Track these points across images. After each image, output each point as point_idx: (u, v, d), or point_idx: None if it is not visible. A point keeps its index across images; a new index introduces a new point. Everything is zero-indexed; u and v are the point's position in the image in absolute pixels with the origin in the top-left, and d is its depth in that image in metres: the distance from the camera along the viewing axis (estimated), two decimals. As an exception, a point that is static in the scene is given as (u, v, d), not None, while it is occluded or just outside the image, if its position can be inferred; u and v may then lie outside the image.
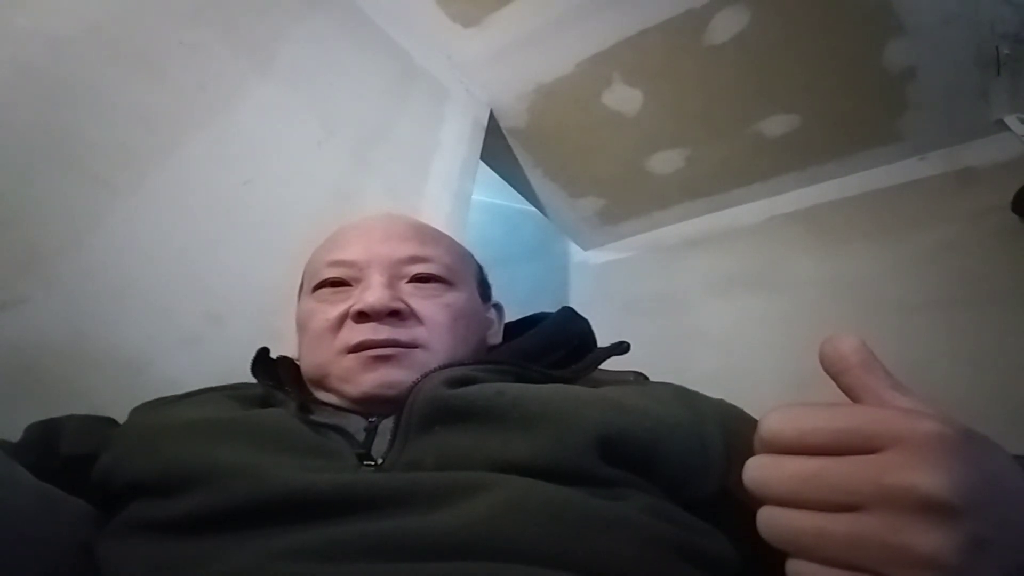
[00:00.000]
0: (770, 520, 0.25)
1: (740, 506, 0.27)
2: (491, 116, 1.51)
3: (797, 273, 1.56)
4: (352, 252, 0.52)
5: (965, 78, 1.31)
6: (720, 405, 0.46)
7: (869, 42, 1.27)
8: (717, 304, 1.66)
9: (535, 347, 0.53)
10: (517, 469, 0.34)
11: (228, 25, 0.92)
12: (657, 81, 1.41)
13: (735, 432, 0.40)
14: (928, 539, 0.21)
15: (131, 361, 0.68)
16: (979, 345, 1.19)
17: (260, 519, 0.33)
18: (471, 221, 1.36)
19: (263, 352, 0.53)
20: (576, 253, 2.12)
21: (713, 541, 0.35)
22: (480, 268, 0.61)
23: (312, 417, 0.44)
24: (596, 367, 0.52)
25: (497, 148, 1.61)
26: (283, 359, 0.56)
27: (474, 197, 1.38)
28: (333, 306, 0.49)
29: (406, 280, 0.51)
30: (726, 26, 1.26)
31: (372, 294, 0.47)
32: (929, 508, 0.21)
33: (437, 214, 1.18)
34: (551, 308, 0.60)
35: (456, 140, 1.34)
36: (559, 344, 0.54)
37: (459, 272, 0.54)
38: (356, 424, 0.43)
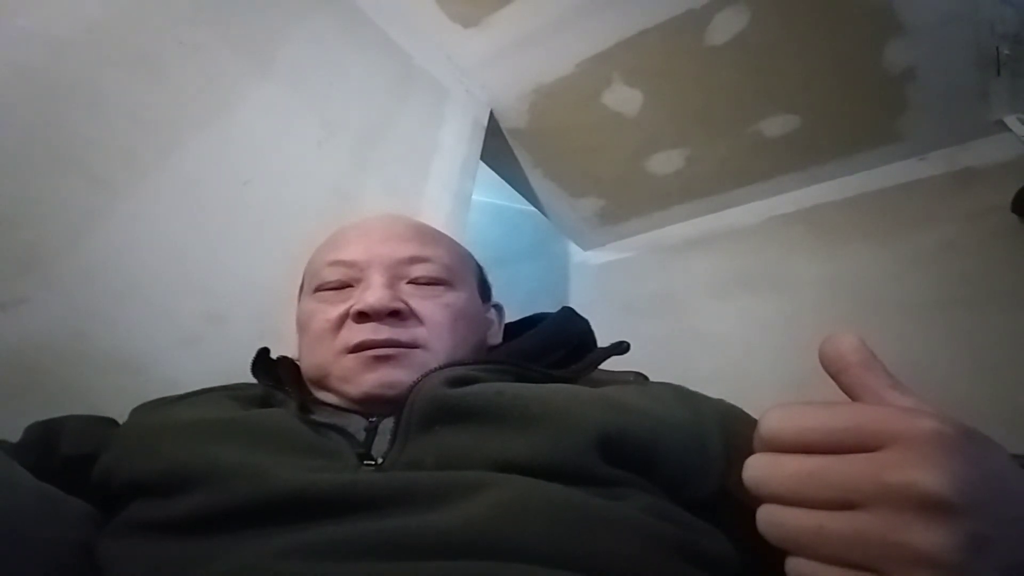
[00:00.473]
0: (770, 519, 0.25)
1: (740, 505, 0.27)
2: (491, 116, 1.51)
3: (797, 273, 1.56)
4: (352, 253, 0.52)
5: (965, 78, 1.31)
6: (720, 405, 0.46)
7: (869, 42, 1.27)
8: (717, 304, 1.66)
9: (535, 347, 0.53)
10: (517, 468, 0.34)
11: (228, 25, 0.92)
12: (657, 81, 1.41)
13: (735, 432, 0.40)
14: (928, 537, 0.21)
15: (131, 361, 0.68)
16: (979, 345, 1.19)
17: (260, 519, 0.33)
18: (471, 221, 1.36)
19: (263, 352, 0.53)
20: (576, 253, 2.12)
21: (713, 540, 0.35)
22: (480, 269, 0.61)
23: (312, 417, 0.44)
24: (596, 367, 0.52)
25: (497, 148, 1.61)
26: (283, 359, 0.56)
27: (474, 197, 1.38)
28: (333, 306, 0.49)
29: (406, 281, 0.51)
30: (726, 26, 1.26)
31: (372, 294, 0.47)
32: (929, 506, 0.21)
33: (437, 214, 1.19)
34: (551, 308, 0.60)
35: (456, 140, 1.34)
36: (559, 344, 0.54)
37: (459, 272, 0.54)
38: (356, 424, 0.43)
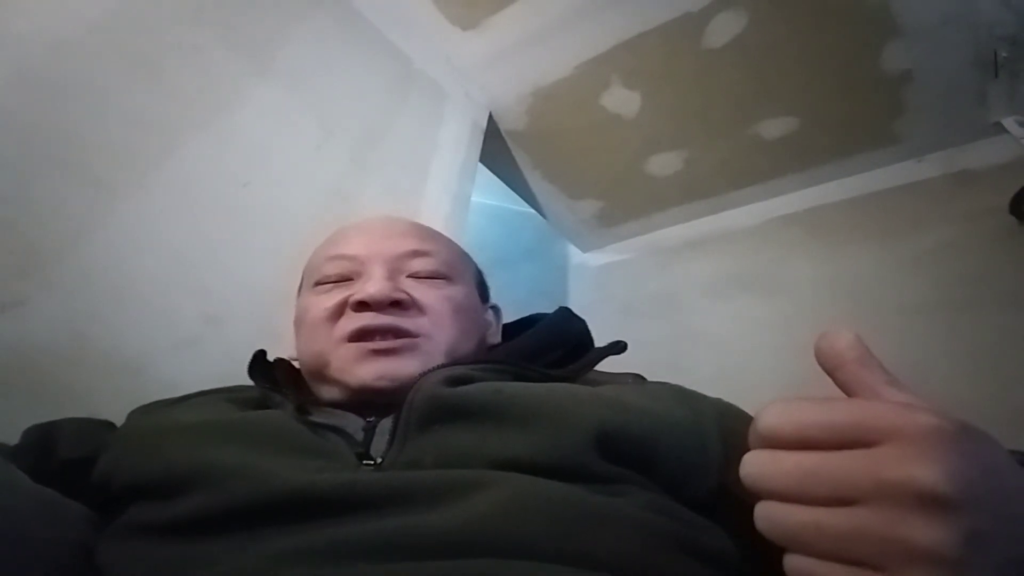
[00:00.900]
0: (768, 515, 0.25)
1: (739, 502, 0.27)
2: (490, 118, 1.51)
3: (796, 275, 1.56)
4: (353, 248, 0.52)
5: (963, 80, 1.32)
6: (718, 404, 0.46)
7: (867, 44, 1.27)
8: (716, 306, 1.66)
9: (533, 347, 0.53)
10: (516, 467, 0.34)
11: (227, 27, 0.92)
12: (656, 83, 1.42)
13: (733, 430, 0.40)
14: (926, 532, 0.21)
15: (130, 363, 0.68)
16: (978, 346, 1.19)
17: (260, 520, 0.33)
18: (470, 223, 1.36)
19: (260, 354, 0.53)
20: (575, 255, 2.12)
21: (713, 537, 0.35)
22: (479, 271, 0.61)
23: (310, 418, 0.44)
24: (593, 366, 0.52)
25: (496, 150, 1.61)
26: (280, 361, 0.56)
27: (473, 199, 1.38)
28: (332, 297, 0.49)
29: (406, 275, 0.51)
30: (724, 29, 1.26)
31: (374, 285, 0.47)
32: (927, 501, 0.21)
33: (436, 216, 1.19)
34: (550, 310, 0.60)
35: (455, 142, 1.34)
36: (556, 344, 0.54)
37: (458, 269, 0.55)
38: (354, 424, 0.43)
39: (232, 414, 0.44)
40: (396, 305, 0.47)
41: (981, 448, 0.24)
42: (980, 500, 0.22)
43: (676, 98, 1.45)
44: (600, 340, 0.57)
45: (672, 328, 1.70)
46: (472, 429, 0.38)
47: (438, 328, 0.48)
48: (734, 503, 0.27)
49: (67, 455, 0.43)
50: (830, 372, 0.28)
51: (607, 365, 0.53)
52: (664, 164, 1.67)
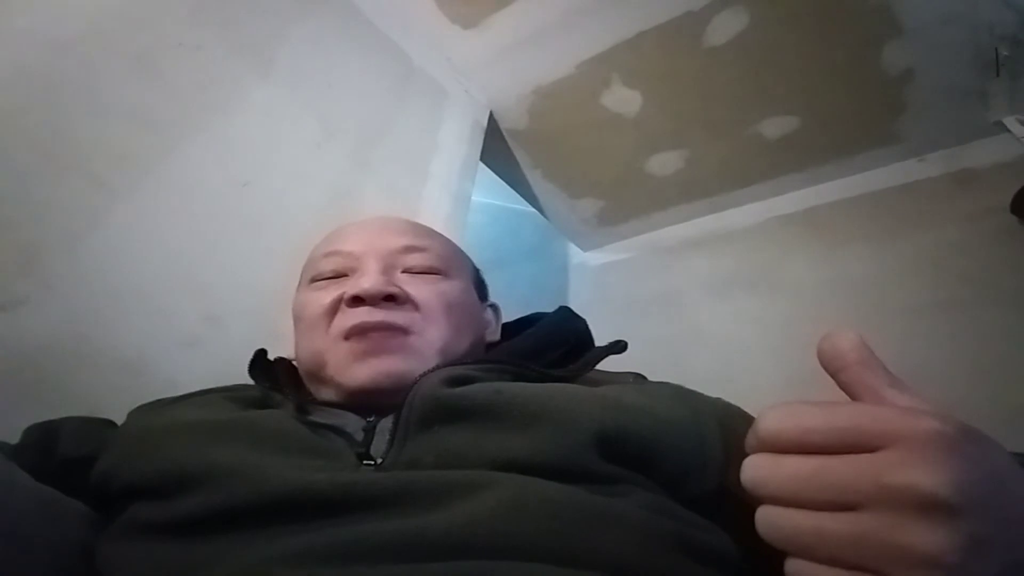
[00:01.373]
0: (769, 520, 0.25)
1: (740, 503, 0.27)
2: (490, 117, 1.51)
3: (796, 274, 1.56)
4: (348, 244, 0.52)
5: (964, 80, 1.32)
6: (718, 403, 0.46)
7: (868, 44, 1.27)
8: (716, 305, 1.66)
9: (533, 346, 0.53)
10: (517, 467, 0.34)
11: (228, 26, 0.92)
12: (656, 83, 1.42)
13: (733, 430, 0.40)
14: (928, 538, 0.21)
15: (130, 362, 0.68)
16: (979, 346, 1.19)
17: (260, 520, 0.33)
18: (470, 222, 1.36)
19: (260, 354, 0.53)
20: (575, 254, 2.12)
21: (714, 537, 0.35)
22: (476, 269, 0.61)
23: (310, 418, 0.44)
24: (594, 366, 0.52)
25: (496, 149, 1.61)
26: (280, 361, 0.56)
27: (473, 198, 1.38)
28: (328, 292, 0.49)
29: (401, 270, 0.51)
30: (725, 28, 1.26)
31: (367, 279, 0.47)
32: (928, 507, 0.21)
33: (436, 215, 1.19)
34: (550, 309, 0.60)
35: (455, 141, 1.34)
36: (557, 343, 0.54)
37: (454, 265, 0.55)
38: (354, 424, 0.43)
39: (233, 413, 0.44)
40: (390, 299, 0.47)
41: (983, 452, 0.24)
42: (981, 505, 0.22)
43: (677, 97, 1.45)
44: (600, 339, 0.57)
45: (672, 327, 1.70)
46: (472, 429, 0.38)
47: (431, 323, 0.48)
48: (735, 503, 0.27)
49: (67, 454, 0.43)
50: (832, 374, 0.28)
51: (607, 364, 0.53)
52: (664, 163, 1.67)
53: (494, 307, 0.61)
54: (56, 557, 0.35)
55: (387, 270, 0.50)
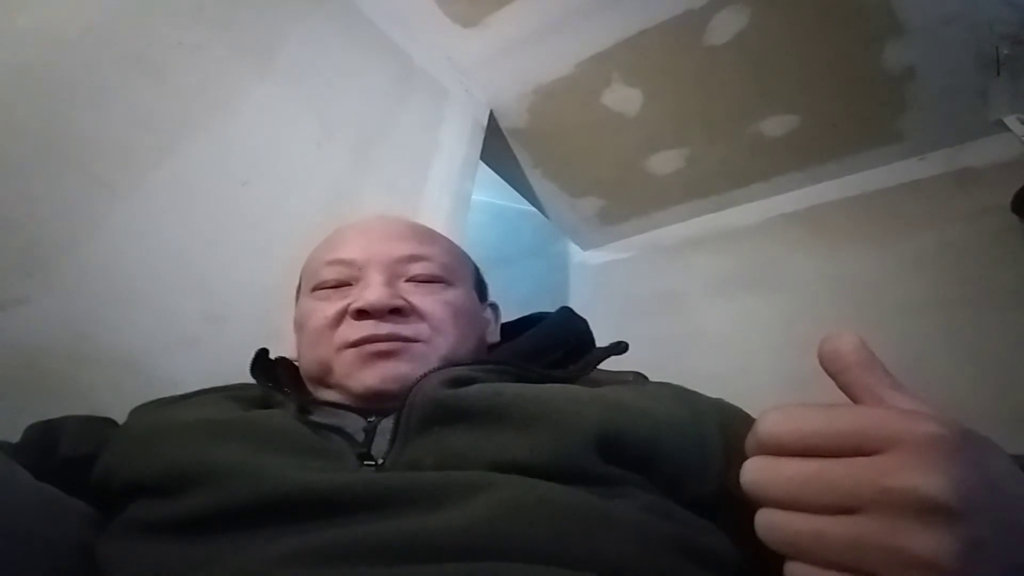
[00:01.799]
0: (768, 523, 0.25)
1: (739, 504, 0.27)
2: (491, 116, 1.51)
3: (797, 273, 1.56)
4: (351, 251, 0.52)
5: (965, 78, 1.31)
6: (719, 404, 0.46)
7: (869, 42, 1.27)
8: (717, 304, 1.66)
9: (534, 347, 0.53)
10: (517, 469, 0.34)
11: (228, 25, 0.92)
12: (657, 81, 1.41)
13: (734, 431, 0.40)
14: (927, 542, 0.21)
15: (130, 361, 0.68)
16: (979, 345, 1.19)
17: (260, 520, 0.33)
18: (471, 221, 1.36)
19: (262, 353, 0.53)
20: (576, 253, 2.12)
21: (713, 539, 0.35)
22: (476, 269, 0.61)
23: (311, 418, 0.44)
24: (594, 367, 0.52)
25: (497, 148, 1.61)
26: (282, 360, 0.56)
27: (474, 197, 1.38)
28: (332, 304, 0.49)
29: (405, 279, 0.51)
30: (725, 26, 1.26)
31: (373, 292, 0.47)
32: (928, 511, 0.21)
33: (437, 214, 1.18)
34: (551, 308, 0.60)
35: (456, 140, 1.34)
36: (558, 344, 0.54)
37: (457, 271, 0.54)
38: (355, 424, 0.43)
39: (234, 413, 0.44)
40: (395, 312, 0.47)
41: (983, 456, 0.24)
42: (981, 509, 0.22)
43: (677, 96, 1.45)
44: (601, 338, 0.57)
45: (673, 326, 1.70)
46: (472, 431, 0.38)
47: (438, 333, 0.48)
48: (735, 505, 0.27)
49: (68, 453, 0.43)
50: (833, 375, 0.28)
51: (608, 363, 0.53)
52: (665, 162, 1.67)
53: (493, 307, 0.61)
54: (56, 556, 0.35)
55: (391, 280, 0.50)
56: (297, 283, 0.58)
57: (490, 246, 1.84)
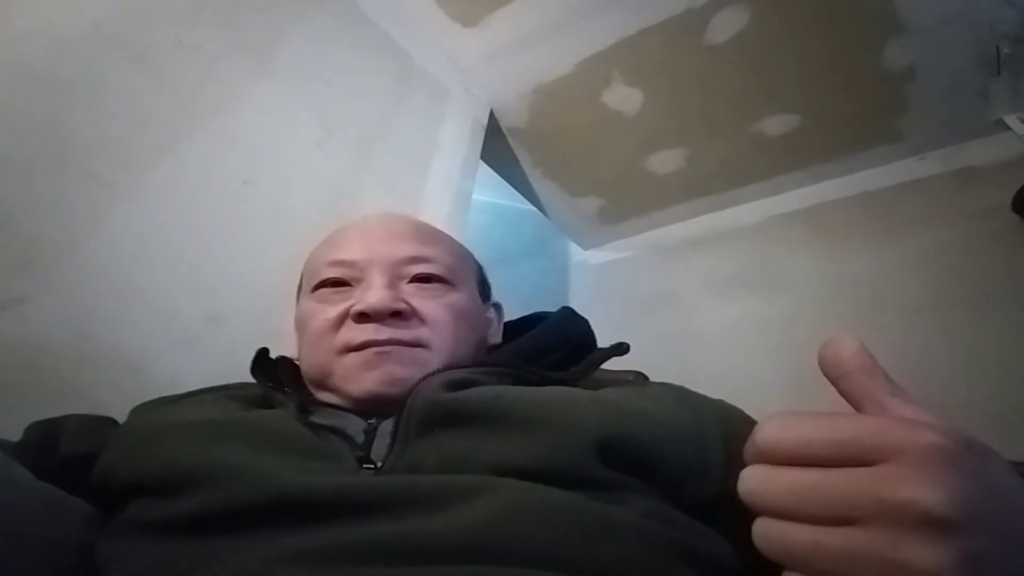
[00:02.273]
0: (766, 533, 0.25)
1: (740, 508, 0.27)
2: (491, 116, 1.51)
3: (797, 273, 1.56)
4: (352, 252, 0.52)
5: (965, 78, 1.31)
6: (720, 406, 0.46)
7: (869, 42, 1.27)
8: (717, 304, 1.66)
9: (535, 348, 0.53)
10: (517, 473, 0.34)
11: (228, 25, 0.92)
12: (657, 81, 1.41)
13: (735, 434, 0.40)
14: (926, 554, 0.21)
15: (131, 361, 0.68)
16: (979, 345, 1.19)
17: (260, 521, 0.33)
18: (471, 221, 1.36)
19: (263, 352, 0.53)
20: (576, 253, 2.12)
21: (713, 544, 0.34)
22: (480, 268, 0.61)
23: (311, 419, 0.44)
24: (596, 369, 0.51)
25: (497, 148, 1.61)
26: (283, 359, 0.56)
27: (474, 197, 1.38)
28: (333, 306, 0.49)
29: (407, 280, 0.51)
30: (726, 26, 1.26)
31: (374, 295, 0.47)
32: (927, 523, 0.21)
33: (437, 214, 1.18)
34: (551, 308, 0.60)
35: (456, 140, 1.34)
36: (559, 345, 0.54)
37: (459, 272, 0.54)
38: (355, 426, 0.43)
39: (234, 413, 0.44)
40: (396, 315, 0.47)
41: (983, 466, 0.23)
42: (981, 521, 0.21)
43: (677, 95, 1.44)
44: (601, 337, 0.57)
45: (673, 326, 1.70)
46: (472, 434, 0.38)
47: (439, 337, 0.48)
48: (736, 509, 0.27)
49: (69, 452, 0.43)
50: (833, 381, 0.27)
51: (608, 363, 0.53)
52: (665, 161, 1.67)
53: (497, 307, 0.61)
54: (57, 555, 0.35)
55: (392, 282, 0.49)
56: (298, 283, 0.58)
57: (490, 245, 1.84)
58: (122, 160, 0.74)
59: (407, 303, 0.48)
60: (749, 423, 0.41)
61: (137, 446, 0.41)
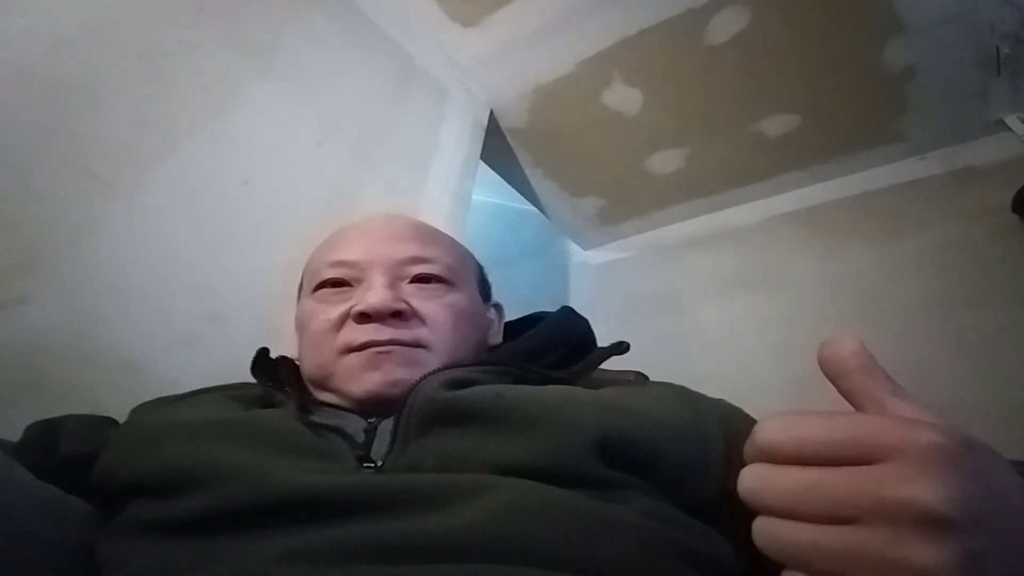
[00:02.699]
0: (766, 532, 0.25)
1: (740, 507, 0.27)
2: (491, 116, 1.51)
3: (797, 273, 1.56)
4: (353, 252, 0.52)
5: (965, 78, 1.31)
6: (720, 405, 0.46)
7: (869, 42, 1.27)
8: (717, 304, 1.66)
9: (535, 347, 0.53)
10: (517, 471, 0.34)
11: (228, 25, 0.92)
12: (657, 81, 1.41)
13: (735, 433, 0.40)
14: (925, 553, 0.21)
15: (131, 361, 0.68)
16: (979, 345, 1.19)
17: (260, 520, 0.33)
18: (471, 221, 1.36)
19: (263, 352, 0.53)
20: (576, 253, 2.12)
21: (713, 543, 0.34)
22: (480, 268, 0.61)
23: (312, 418, 0.44)
24: (595, 368, 0.52)
25: (497, 148, 1.61)
26: (283, 359, 0.56)
27: (474, 197, 1.38)
28: (334, 306, 0.49)
29: (407, 281, 0.51)
30: (726, 26, 1.26)
31: (374, 295, 0.47)
32: (927, 522, 0.21)
33: (437, 214, 1.18)
34: (551, 308, 0.60)
35: (456, 140, 1.34)
36: (559, 344, 0.54)
37: (460, 272, 0.54)
38: (356, 425, 0.43)
39: (234, 412, 0.44)
40: (397, 315, 0.47)
41: (983, 465, 0.23)
42: (981, 520, 0.21)
43: (677, 96, 1.45)
44: (601, 338, 0.57)
45: (673, 326, 1.70)
46: (472, 433, 0.38)
47: (439, 338, 0.48)
48: (735, 508, 0.27)
49: (69, 452, 0.43)
50: (833, 380, 0.27)
51: (609, 363, 0.53)
52: (665, 162, 1.67)
53: (497, 307, 0.61)
54: (57, 555, 0.35)
55: (393, 283, 0.49)
56: (298, 283, 0.58)
57: (490, 246, 1.84)
58: (123, 159, 0.74)
59: (407, 303, 0.48)
60: (749, 423, 0.41)
61: (137, 446, 0.41)
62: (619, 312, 1.83)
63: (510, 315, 0.63)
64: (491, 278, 0.62)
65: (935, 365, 1.17)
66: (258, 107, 0.93)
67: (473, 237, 1.29)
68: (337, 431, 0.41)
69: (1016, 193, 1.26)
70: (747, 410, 0.46)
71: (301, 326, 0.52)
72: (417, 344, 0.47)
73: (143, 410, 0.48)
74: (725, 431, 0.41)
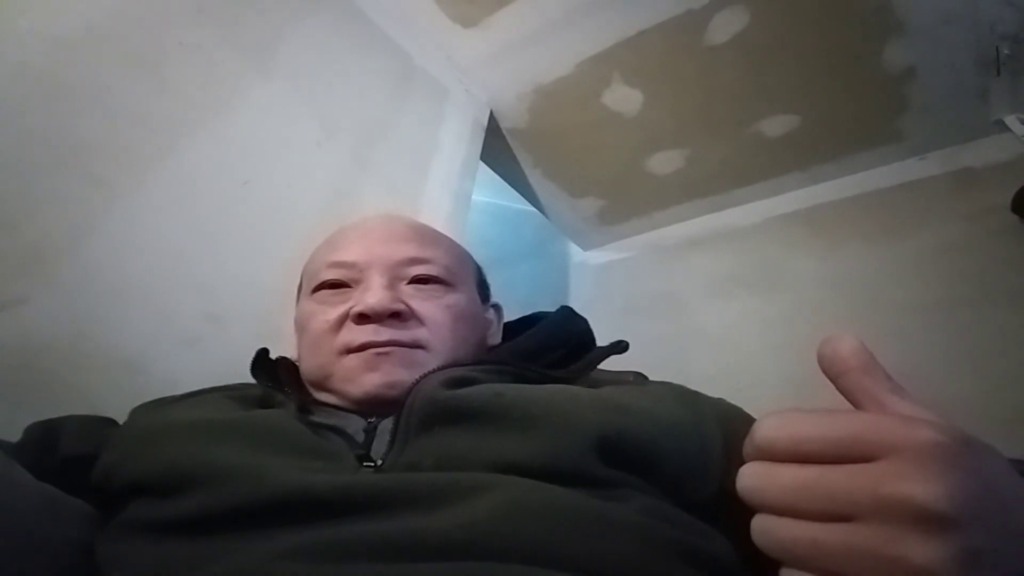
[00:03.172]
0: (764, 529, 0.25)
1: (740, 505, 0.27)
2: (491, 116, 1.51)
3: (797, 273, 1.56)
4: (352, 253, 0.52)
5: (965, 78, 1.31)
6: (720, 404, 0.46)
7: (869, 42, 1.27)
8: (717, 304, 1.66)
9: (534, 347, 0.53)
10: (516, 470, 0.34)
11: (228, 25, 0.92)
12: (657, 81, 1.41)
13: (735, 432, 0.40)
14: (923, 551, 0.21)
15: (131, 361, 0.68)
16: (979, 345, 1.19)
17: (260, 520, 0.33)
18: (471, 221, 1.36)
19: (262, 353, 0.53)
20: (576, 253, 2.12)
21: (712, 542, 0.34)
22: (479, 269, 0.61)
23: (311, 418, 0.44)
24: (595, 367, 0.52)
25: (497, 148, 1.61)
26: (282, 360, 0.56)
27: (474, 197, 1.38)
28: (333, 307, 0.49)
29: (406, 282, 0.51)
30: (726, 26, 1.26)
31: (373, 295, 0.47)
32: (925, 519, 0.21)
33: (437, 214, 1.19)
34: (551, 308, 0.60)
35: (456, 140, 1.34)
36: (558, 344, 0.54)
37: (459, 273, 0.54)
38: (355, 425, 0.43)
39: (234, 413, 0.44)
40: (395, 316, 0.47)
41: (982, 463, 0.23)
42: (979, 518, 0.21)
43: (677, 96, 1.45)
44: (601, 338, 0.57)
45: (673, 326, 1.70)
46: (472, 432, 0.38)
47: (437, 339, 0.48)
48: (735, 506, 0.27)
49: (69, 452, 0.43)
50: (833, 379, 0.28)
51: (609, 363, 0.53)
52: (665, 162, 1.67)
53: (496, 307, 0.61)
54: (57, 555, 0.35)
55: (392, 284, 0.50)
56: (298, 283, 0.58)
57: (490, 246, 1.84)
58: (123, 159, 0.74)
59: (406, 304, 0.48)
60: (749, 422, 0.41)
61: (137, 446, 0.41)
62: (619, 312, 1.83)
63: (510, 315, 0.63)
64: (490, 278, 0.62)
65: (935, 365, 1.17)
66: (258, 107, 0.93)
67: (473, 237, 1.30)
68: (337, 431, 0.41)
69: (1016, 193, 1.26)
70: (747, 410, 0.46)
71: (300, 327, 0.52)
72: (416, 345, 0.47)
73: (143, 410, 0.48)
74: (724, 430, 0.41)
